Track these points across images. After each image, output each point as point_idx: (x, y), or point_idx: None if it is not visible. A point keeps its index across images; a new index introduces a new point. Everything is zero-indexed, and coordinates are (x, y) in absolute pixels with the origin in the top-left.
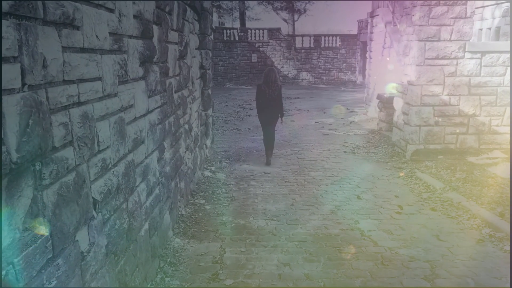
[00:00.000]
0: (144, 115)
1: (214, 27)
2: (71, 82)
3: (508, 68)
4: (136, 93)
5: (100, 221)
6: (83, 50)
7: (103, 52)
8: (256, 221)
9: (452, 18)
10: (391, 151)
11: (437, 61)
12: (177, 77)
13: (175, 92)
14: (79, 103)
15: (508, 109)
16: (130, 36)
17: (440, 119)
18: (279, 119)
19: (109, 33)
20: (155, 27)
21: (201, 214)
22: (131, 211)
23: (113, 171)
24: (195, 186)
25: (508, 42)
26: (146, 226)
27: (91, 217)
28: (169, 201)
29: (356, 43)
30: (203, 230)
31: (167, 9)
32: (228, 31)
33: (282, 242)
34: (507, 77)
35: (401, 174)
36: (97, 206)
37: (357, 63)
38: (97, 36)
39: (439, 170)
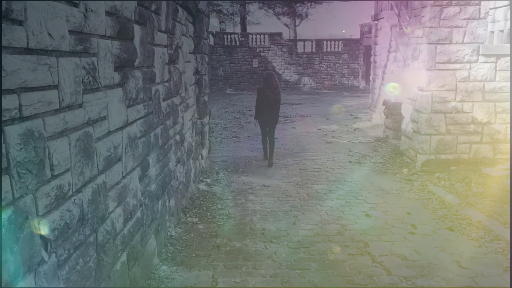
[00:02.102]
0: (121, 128)
1: (214, 32)
2: (8, 91)
3: None
4: (110, 102)
5: (54, 264)
6: (28, 51)
7: (60, 54)
8: (254, 244)
9: (464, 19)
10: (400, 161)
11: (448, 65)
12: (166, 84)
13: (164, 100)
14: (21, 119)
15: None
16: (102, 36)
17: (452, 127)
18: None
19: (70, 31)
20: (136, 27)
21: (192, 235)
22: (101, 244)
23: (74, 200)
24: (188, 202)
25: None
26: (124, 257)
27: (39, 261)
28: (155, 224)
29: (358, 48)
30: (194, 254)
31: (152, 8)
32: (229, 36)
33: (282, 270)
34: None
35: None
36: (49, 246)
37: (360, 68)
38: (50, 34)
39: (452, 182)
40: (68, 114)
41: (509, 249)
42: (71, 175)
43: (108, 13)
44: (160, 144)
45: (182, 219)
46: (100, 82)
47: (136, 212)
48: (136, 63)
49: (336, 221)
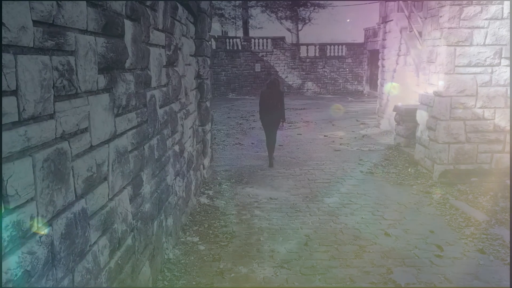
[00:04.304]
0: (107, 142)
1: (216, 36)
2: None
3: None
4: (93, 111)
5: None
6: None
7: (21, 50)
8: (262, 269)
9: (486, 19)
10: (415, 171)
11: (469, 69)
12: (164, 88)
13: (161, 107)
14: None
15: None
16: (83, 31)
17: (472, 135)
18: (281, 123)
19: (36, 21)
20: (128, 23)
21: (193, 258)
22: (79, 287)
23: (39, 238)
24: (187, 218)
25: None
26: None
27: None
28: (150, 249)
29: (363, 52)
30: (194, 282)
31: (147, 3)
32: (231, 40)
33: None
34: None
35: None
36: None
37: (364, 73)
38: (3, 23)
39: (476, 196)
40: (32, 128)
41: None
42: (36, 206)
43: (91, 4)
44: (156, 157)
45: (182, 239)
46: (79, 86)
47: (126, 240)
48: (127, 65)
49: (353, 241)
